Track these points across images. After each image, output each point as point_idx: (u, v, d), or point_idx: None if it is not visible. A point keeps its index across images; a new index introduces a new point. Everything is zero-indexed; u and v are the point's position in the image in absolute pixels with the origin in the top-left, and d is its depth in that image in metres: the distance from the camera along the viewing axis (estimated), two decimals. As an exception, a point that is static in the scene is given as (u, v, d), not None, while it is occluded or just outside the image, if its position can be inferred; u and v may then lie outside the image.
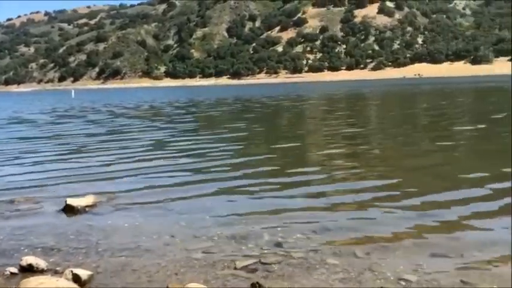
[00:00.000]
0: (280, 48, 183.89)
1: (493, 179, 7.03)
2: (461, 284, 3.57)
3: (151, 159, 9.74)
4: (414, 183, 7.01)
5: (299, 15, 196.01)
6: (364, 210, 5.69)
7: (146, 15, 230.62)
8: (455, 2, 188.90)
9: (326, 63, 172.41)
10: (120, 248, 4.62)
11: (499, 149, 10.04)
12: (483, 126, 14.09)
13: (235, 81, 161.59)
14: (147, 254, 4.46)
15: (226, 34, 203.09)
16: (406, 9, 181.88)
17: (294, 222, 5.24)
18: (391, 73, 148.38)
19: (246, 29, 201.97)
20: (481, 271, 3.82)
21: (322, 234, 4.86)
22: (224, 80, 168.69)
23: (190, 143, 12.41)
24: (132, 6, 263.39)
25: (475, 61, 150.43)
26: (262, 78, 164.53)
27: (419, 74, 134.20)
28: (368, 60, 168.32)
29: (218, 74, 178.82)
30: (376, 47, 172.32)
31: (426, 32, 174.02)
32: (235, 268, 4.03)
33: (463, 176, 7.43)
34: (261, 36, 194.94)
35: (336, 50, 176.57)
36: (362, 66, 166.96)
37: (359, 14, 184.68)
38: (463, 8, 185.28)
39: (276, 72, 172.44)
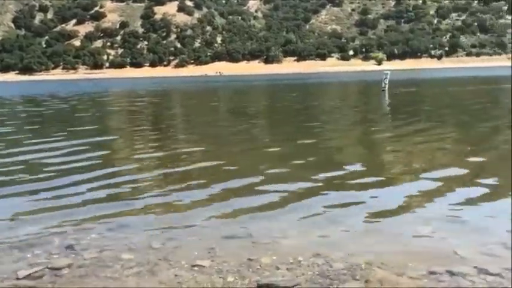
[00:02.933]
0: (77, 43, 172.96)
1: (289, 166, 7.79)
2: (247, 261, 3.86)
3: None
4: (216, 176, 7.30)
5: (97, 8, 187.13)
6: (162, 204, 5.72)
7: None
8: (248, 4, 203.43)
9: (128, 59, 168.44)
10: None
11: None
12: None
13: (26, 77, 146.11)
14: None
15: (12, 25, 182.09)
16: (205, 9, 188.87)
17: (89, 224, 4.98)
18: (193, 70, 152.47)
19: (37, 21, 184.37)
20: (265, 246, 4.18)
21: (117, 231, 4.73)
22: (12, 76, 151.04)
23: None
24: None
25: (268, 60, 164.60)
26: (58, 74, 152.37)
27: (220, 72, 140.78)
28: (171, 58, 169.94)
29: (4, 69, 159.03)
30: (178, 45, 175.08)
31: (224, 32, 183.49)
32: (17, 278, 3.64)
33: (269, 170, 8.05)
34: (55, 29, 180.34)
35: (138, 46, 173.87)
36: (165, 63, 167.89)
37: (159, 11, 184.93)
38: (256, 11, 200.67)
39: (74, 68, 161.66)
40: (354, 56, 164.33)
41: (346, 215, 5.09)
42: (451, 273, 3.49)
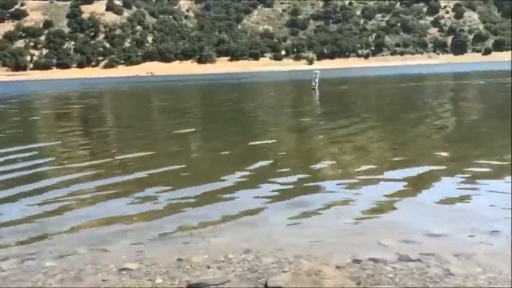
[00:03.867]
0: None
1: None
2: (177, 261, 3.82)
3: None
4: (147, 180, 7.16)
5: (17, 6, 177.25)
6: (90, 210, 5.53)
7: None
8: (179, 4, 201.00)
9: (54, 60, 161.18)
10: None
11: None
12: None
13: None
14: None
15: None
16: (135, 8, 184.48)
17: (10, 234, 4.69)
18: (124, 71, 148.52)
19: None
20: (196, 246, 4.16)
21: (41, 240, 4.49)
22: None
23: None
24: None
25: (201, 60, 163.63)
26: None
27: (151, 72, 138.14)
28: (100, 58, 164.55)
29: None
30: (107, 45, 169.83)
31: (155, 32, 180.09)
32: None
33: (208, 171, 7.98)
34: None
35: (65, 47, 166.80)
36: (94, 63, 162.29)
37: (86, 9, 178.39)
38: (187, 10, 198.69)
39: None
40: (286, 55, 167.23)
41: (277, 211, 5.17)
42: (375, 261, 3.65)
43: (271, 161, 7.95)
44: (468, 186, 5.90)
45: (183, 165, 7.74)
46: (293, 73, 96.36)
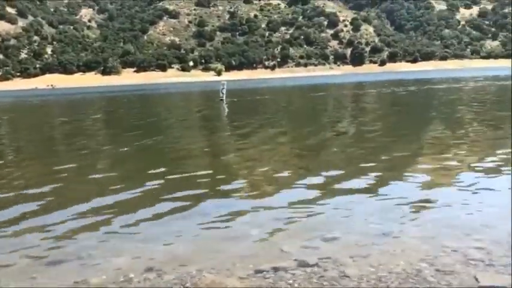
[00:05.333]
0: None
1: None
2: (73, 284, 3.64)
3: None
4: (43, 200, 6.73)
5: None
6: None
7: None
8: (81, 14, 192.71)
9: None
10: None
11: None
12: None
13: None
14: None
15: None
16: (31, 17, 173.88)
17: None
18: (21, 84, 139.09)
19: None
20: (95, 267, 3.99)
21: None
22: None
23: None
24: None
25: (105, 72, 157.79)
26: None
27: (52, 85, 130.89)
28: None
29: None
30: (1, 56, 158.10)
31: (55, 43, 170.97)
32: None
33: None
34: None
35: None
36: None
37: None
38: (89, 21, 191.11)
39: None
40: (194, 67, 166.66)
41: (179, 226, 5.09)
42: (275, 269, 3.73)
43: (173, 174, 7.84)
44: (364, 191, 6.24)
45: (79, 186, 7.39)
46: (203, 84, 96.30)
